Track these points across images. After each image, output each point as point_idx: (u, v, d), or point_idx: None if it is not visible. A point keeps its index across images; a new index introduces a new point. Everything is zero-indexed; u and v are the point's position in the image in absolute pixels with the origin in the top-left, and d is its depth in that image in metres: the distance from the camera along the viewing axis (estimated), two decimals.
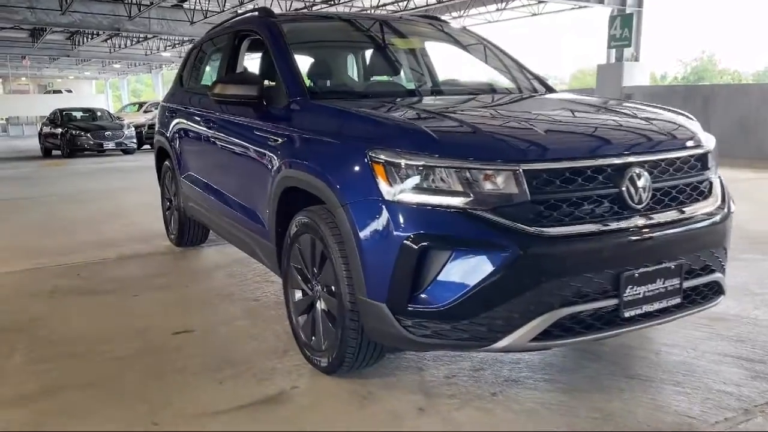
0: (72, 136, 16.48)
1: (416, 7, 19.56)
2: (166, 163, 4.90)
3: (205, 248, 4.96)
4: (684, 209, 2.33)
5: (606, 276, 2.12)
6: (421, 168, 2.12)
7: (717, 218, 2.39)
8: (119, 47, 29.69)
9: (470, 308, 2.06)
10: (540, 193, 2.09)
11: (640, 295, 2.17)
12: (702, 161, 2.45)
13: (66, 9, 18.99)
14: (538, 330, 2.06)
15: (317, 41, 3.64)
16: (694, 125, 2.59)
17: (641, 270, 2.16)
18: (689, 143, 2.43)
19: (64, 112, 18.26)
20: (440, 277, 2.08)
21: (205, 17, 19.78)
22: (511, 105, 3.00)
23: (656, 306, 2.22)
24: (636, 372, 2.56)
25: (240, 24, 3.77)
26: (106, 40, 28.94)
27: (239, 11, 3.98)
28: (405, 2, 19.62)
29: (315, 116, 2.74)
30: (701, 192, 2.43)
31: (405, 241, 2.09)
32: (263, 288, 3.85)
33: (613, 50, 12.23)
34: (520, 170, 2.07)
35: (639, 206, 2.20)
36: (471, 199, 2.07)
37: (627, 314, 2.17)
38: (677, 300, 2.26)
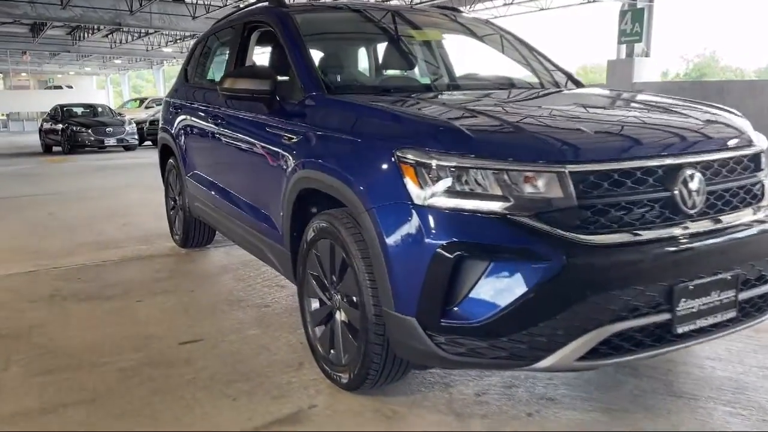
0: (73, 132, 16.28)
1: (422, 1, 19.32)
2: (171, 161, 4.71)
3: (211, 249, 4.77)
4: (738, 214, 2.14)
5: (658, 288, 1.93)
6: (455, 169, 1.93)
7: None
8: (120, 43, 29.48)
9: (510, 324, 1.87)
10: (587, 198, 1.90)
11: (694, 309, 1.98)
12: (755, 161, 2.27)
13: (66, 3, 18.79)
14: (585, 348, 1.87)
15: (332, 33, 3.44)
16: (745, 123, 2.40)
17: (696, 282, 1.97)
18: (741, 142, 2.24)
19: (64, 108, 18.05)
20: (476, 290, 1.89)
21: (207, 12, 19.57)
22: (545, 100, 2.80)
23: (710, 321, 2.03)
24: (680, 389, 2.37)
25: (249, 15, 3.58)
26: (106, 36, 28.73)
27: (242, 5, 3.78)
28: None
29: (333, 113, 2.55)
30: (755, 195, 2.24)
31: (438, 250, 1.90)
32: (273, 293, 3.66)
33: (624, 45, 12.02)
34: (566, 172, 1.88)
35: (692, 211, 2.01)
36: (511, 203, 1.88)
37: (680, 330, 1.98)
38: (732, 314, 2.07)
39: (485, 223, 1.89)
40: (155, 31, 25.50)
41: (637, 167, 1.96)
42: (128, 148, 17.09)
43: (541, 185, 1.89)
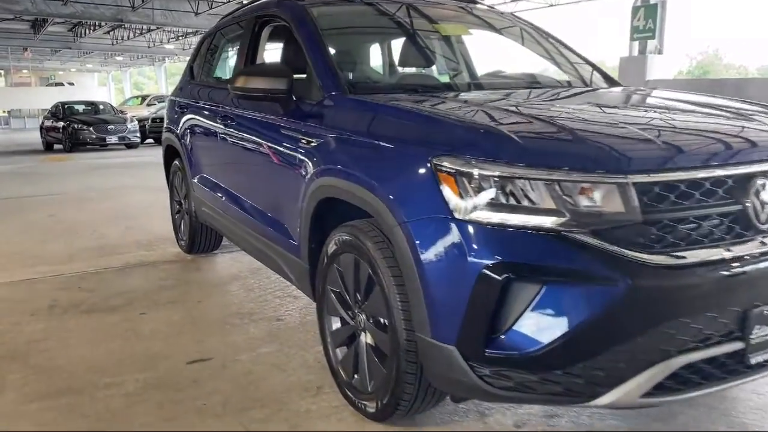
0: (74, 130, 16.10)
1: None
2: (176, 162, 4.49)
3: (218, 255, 4.55)
4: None
5: (731, 314, 1.71)
6: (501, 179, 1.71)
7: None
8: (122, 39, 29.23)
9: (565, 356, 1.66)
10: (651, 212, 1.67)
11: None
12: None
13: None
14: (650, 383, 1.66)
15: (351, 27, 3.21)
16: None
17: None
18: None
19: (66, 105, 17.86)
20: (527, 317, 1.68)
21: (211, 8, 19.33)
22: (587, 101, 2.57)
23: None
24: (742, 420, 2.15)
25: (261, 8, 3.35)
26: (108, 32, 28.49)
27: (245, 0, 3.56)
28: None
29: (357, 114, 2.33)
30: None
31: (483, 271, 1.68)
32: (286, 305, 3.45)
33: (636, 42, 11.76)
34: (630, 183, 1.66)
35: (765, 226, 1.79)
36: (565, 219, 1.66)
37: (753, 360, 1.76)
38: None
39: (536, 240, 1.68)
40: (157, 28, 25.24)
41: (706, 177, 1.74)
42: (130, 146, 16.90)
43: (600, 198, 1.67)
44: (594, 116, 2.15)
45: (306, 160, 2.48)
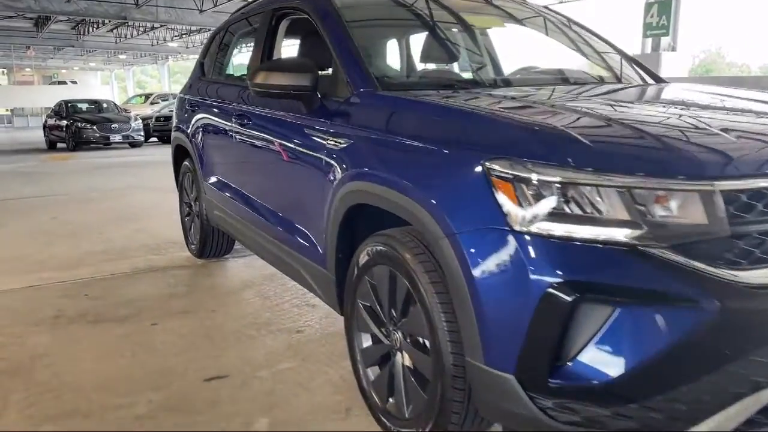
0: (77, 129, 15.94)
1: None
2: (186, 163, 4.29)
3: (230, 260, 4.36)
4: None
5: None
6: (567, 186, 1.51)
7: None
8: (125, 37, 29.06)
9: (641, 388, 1.46)
10: (739, 223, 1.48)
11: None
12: None
13: None
14: (739, 418, 1.46)
15: (380, 19, 3.00)
16: None
17: None
18: None
19: (69, 104, 17.70)
20: (597, 343, 1.48)
21: (215, 5, 19.12)
22: (647, 98, 2.35)
23: None
24: None
25: (278, 1, 3.14)
26: (111, 30, 28.31)
27: None
28: None
29: (393, 113, 2.13)
30: None
31: (549, 290, 1.48)
32: (305, 314, 3.25)
33: (649, 39, 11.52)
34: (716, 190, 1.46)
35: None
36: (642, 231, 1.46)
37: None
38: None
39: (608, 256, 1.48)
40: (161, 26, 25.06)
41: None
42: (134, 144, 16.76)
43: (682, 208, 1.47)
44: (663, 115, 1.95)
45: (333, 162, 2.29)
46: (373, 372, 2.15)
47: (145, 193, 7.78)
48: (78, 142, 16.01)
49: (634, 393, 1.46)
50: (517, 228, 1.54)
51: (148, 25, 25.12)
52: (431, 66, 3.01)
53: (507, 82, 2.61)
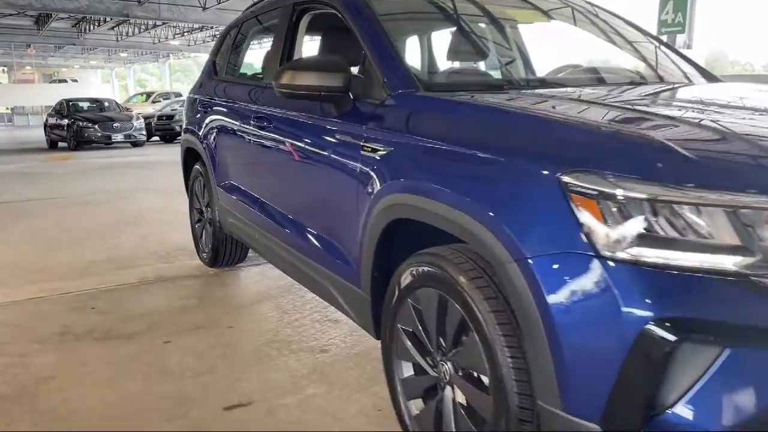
0: (79, 128, 15.74)
1: None
2: (197, 166, 4.07)
3: (243, 269, 4.14)
4: None
5: None
6: (663, 204, 1.29)
7: None
8: (126, 35, 28.81)
9: None
10: None
11: None
12: None
13: None
14: None
15: (416, 12, 2.77)
16: None
17: None
18: None
19: (70, 103, 17.49)
20: (702, 389, 1.26)
21: (219, 2, 18.86)
22: (728, 100, 2.12)
23: None
24: None
25: None
26: (112, 28, 28.07)
27: None
28: None
29: (441, 117, 1.91)
30: None
31: (647, 328, 1.26)
32: (327, 331, 3.04)
33: (664, 37, 11.30)
34: None
35: None
36: (756, 259, 1.25)
37: None
38: None
39: (715, 288, 1.26)
40: (163, 23, 24.82)
41: None
42: (136, 144, 16.55)
43: None
44: (757, 121, 1.72)
45: (369, 171, 2.07)
46: (416, 406, 1.94)
47: (150, 196, 7.56)
48: (79, 142, 15.80)
49: None
50: (604, 253, 1.33)
51: (150, 22, 24.90)
52: (475, 65, 2.78)
53: (562, 83, 2.38)
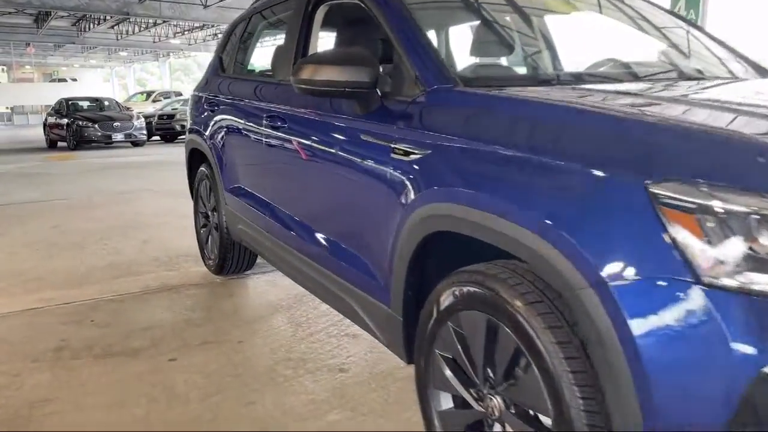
0: (79, 127, 15.52)
1: None
2: (203, 168, 3.85)
3: (251, 278, 3.92)
4: None
5: None
6: None
7: None
8: (126, 34, 28.59)
9: None
10: None
11: None
12: None
13: None
14: None
15: (447, 1, 2.54)
16: None
17: None
18: None
19: (70, 102, 17.29)
20: None
21: (220, 0, 18.63)
22: None
23: None
24: None
25: None
26: (112, 27, 27.87)
27: None
28: None
29: (489, 116, 1.68)
30: None
31: (765, 371, 1.04)
32: (345, 347, 2.81)
33: None
34: None
35: None
36: None
37: None
38: None
39: None
40: (164, 22, 24.59)
41: None
42: (136, 143, 16.35)
43: None
44: None
45: (401, 176, 1.84)
46: None
47: (151, 197, 7.34)
48: (79, 141, 15.59)
49: None
50: (705, 279, 1.10)
51: (150, 21, 24.67)
52: (516, 57, 2.54)
53: (618, 78, 2.15)
